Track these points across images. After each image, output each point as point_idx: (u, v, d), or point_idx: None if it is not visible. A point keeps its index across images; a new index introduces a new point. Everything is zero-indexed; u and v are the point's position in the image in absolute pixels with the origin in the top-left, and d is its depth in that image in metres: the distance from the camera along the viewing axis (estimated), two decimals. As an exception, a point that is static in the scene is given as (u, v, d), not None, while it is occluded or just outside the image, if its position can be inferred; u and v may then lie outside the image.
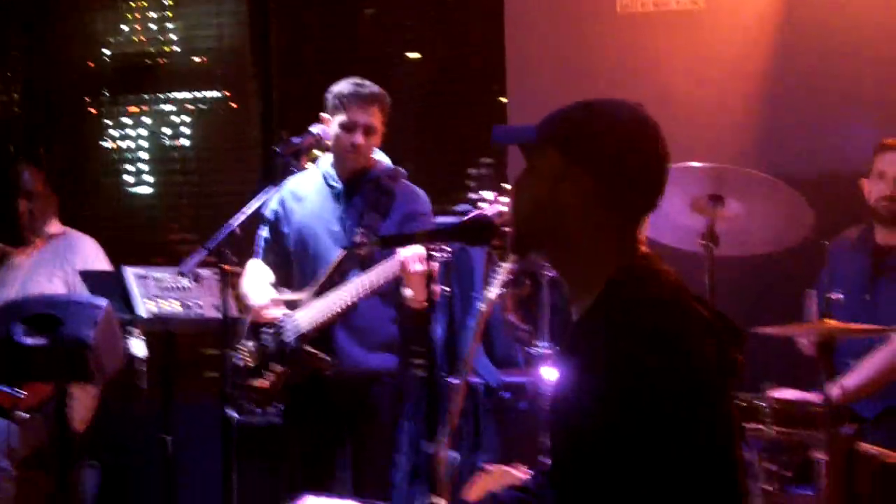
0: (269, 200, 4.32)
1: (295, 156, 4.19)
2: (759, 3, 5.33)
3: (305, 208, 4.33)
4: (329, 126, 4.23)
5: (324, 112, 4.26)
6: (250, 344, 4.29)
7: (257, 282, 4.31)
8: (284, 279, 4.36)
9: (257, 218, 4.34)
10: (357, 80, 4.25)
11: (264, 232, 4.44)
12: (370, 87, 4.23)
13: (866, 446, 3.77)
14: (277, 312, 4.20)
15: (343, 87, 4.23)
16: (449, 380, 4.62)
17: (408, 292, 4.04)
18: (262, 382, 4.24)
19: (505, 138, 2.40)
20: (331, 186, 4.31)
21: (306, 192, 4.36)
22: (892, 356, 4.16)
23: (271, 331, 4.22)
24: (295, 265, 4.35)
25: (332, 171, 4.32)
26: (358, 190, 4.27)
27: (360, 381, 4.21)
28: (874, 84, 5.20)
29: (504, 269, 4.17)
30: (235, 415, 4.75)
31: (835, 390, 3.79)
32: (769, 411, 3.66)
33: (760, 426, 3.69)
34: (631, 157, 2.12)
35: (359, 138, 4.19)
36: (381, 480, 4.24)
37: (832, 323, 3.64)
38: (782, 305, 4.58)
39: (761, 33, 5.32)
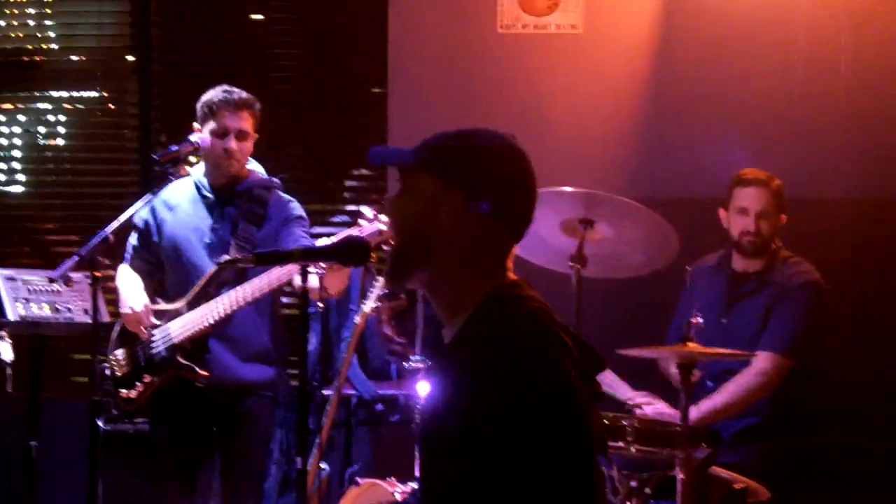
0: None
1: (173, 163, 4.17)
2: (637, 30, 5.46)
3: (178, 218, 4.30)
4: (201, 135, 4.22)
5: (195, 122, 4.25)
6: (120, 352, 4.26)
7: (132, 287, 4.26)
8: (154, 288, 4.33)
9: (131, 225, 4.30)
10: (226, 87, 4.24)
11: (133, 239, 4.39)
12: (239, 92, 4.22)
13: (718, 470, 3.91)
14: (151, 321, 4.18)
15: (212, 94, 4.22)
16: (323, 391, 4.66)
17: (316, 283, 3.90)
18: (129, 393, 4.21)
19: (381, 160, 2.44)
20: (203, 196, 4.29)
21: (178, 202, 4.32)
22: (752, 381, 4.30)
23: (143, 341, 4.19)
24: (168, 274, 4.32)
25: (205, 181, 4.30)
26: (231, 200, 4.26)
27: (233, 392, 4.19)
28: (742, 109, 5.38)
29: (381, 282, 4.22)
30: (102, 423, 4.71)
31: (694, 412, 3.92)
32: (631, 430, 3.75)
33: (622, 444, 3.78)
34: (503, 186, 2.19)
35: (231, 143, 4.17)
36: (252, 492, 4.22)
37: (693, 346, 3.76)
38: (648, 327, 4.72)
39: (637, 60, 5.46)
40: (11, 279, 4.72)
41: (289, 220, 4.24)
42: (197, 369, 4.10)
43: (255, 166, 4.38)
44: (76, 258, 3.96)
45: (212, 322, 4.07)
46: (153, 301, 4.24)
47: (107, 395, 4.31)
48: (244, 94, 4.23)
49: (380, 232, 3.71)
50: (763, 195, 4.45)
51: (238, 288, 4.03)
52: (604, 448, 3.64)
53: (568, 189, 4.10)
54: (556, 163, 5.01)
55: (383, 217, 3.79)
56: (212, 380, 4.12)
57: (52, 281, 4.35)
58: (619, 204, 4.19)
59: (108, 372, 4.26)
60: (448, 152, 2.22)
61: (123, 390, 4.22)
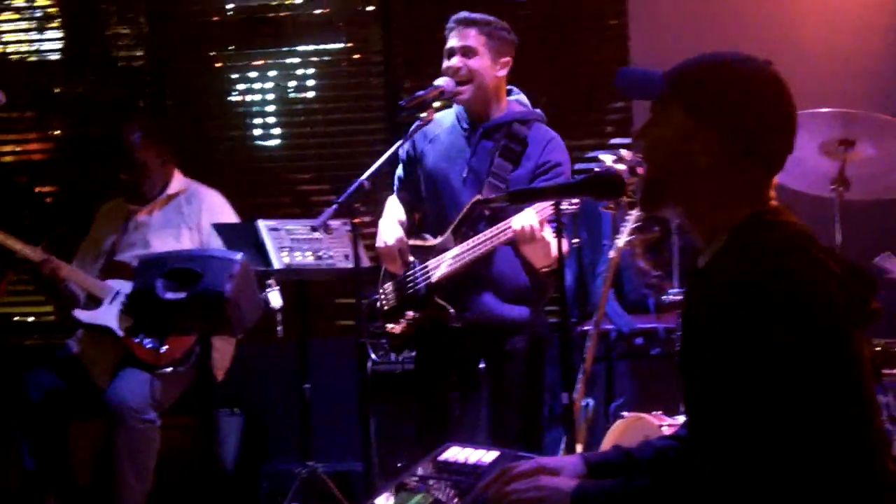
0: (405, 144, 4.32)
1: (419, 109, 4.18)
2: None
3: (436, 150, 4.28)
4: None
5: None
6: (389, 286, 4.32)
7: (390, 221, 4.30)
8: (419, 220, 4.36)
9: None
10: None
11: (399, 170, 4.42)
12: (468, 13, 4.17)
13: None
14: (406, 256, 4.20)
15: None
16: (580, 327, 4.67)
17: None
18: (394, 328, 4.28)
19: (630, 90, 2.37)
20: (463, 128, 4.25)
21: (438, 133, 4.30)
22: None
23: (408, 277, 4.23)
24: (427, 208, 4.32)
25: (465, 113, 4.26)
26: (489, 135, 4.20)
27: (496, 331, 4.16)
28: None
29: (633, 216, 4.19)
30: (373, 356, 4.84)
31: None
32: (905, 355, 3.63)
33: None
34: (760, 119, 2.14)
35: (454, 62, 4.14)
36: (520, 427, 4.18)
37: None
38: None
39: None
40: (275, 229, 4.89)
41: (545, 168, 4.13)
42: (449, 310, 4.12)
43: (519, 97, 4.30)
44: (335, 206, 4.07)
45: (466, 263, 4.06)
46: (419, 235, 4.27)
47: (375, 331, 4.42)
48: (472, 14, 4.17)
49: (631, 167, 3.66)
50: None
51: (482, 233, 4.01)
52: (877, 376, 3.54)
53: (826, 110, 3.95)
54: (809, 83, 4.80)
55: (629, 152, 3.73)
56: (472, 319, 4.13)
57: (313, 229, 4.49)
58: (880, 122, 4.01)
59: (378, 306, 4.35)
60: (703, 88, 2.16)
61: (389, 325, 4.30)
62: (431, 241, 4.22)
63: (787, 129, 2.16)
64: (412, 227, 4.37)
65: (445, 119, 4.32)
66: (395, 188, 4.46)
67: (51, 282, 5.02)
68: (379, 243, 4.26)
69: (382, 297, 4.34)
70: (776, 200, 2.18)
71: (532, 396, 4.25)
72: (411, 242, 4.25)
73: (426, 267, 4.19)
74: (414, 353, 4.42)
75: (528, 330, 4.21)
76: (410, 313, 4.25)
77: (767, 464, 1.95)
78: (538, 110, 4.28)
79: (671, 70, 2.21)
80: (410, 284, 4.24)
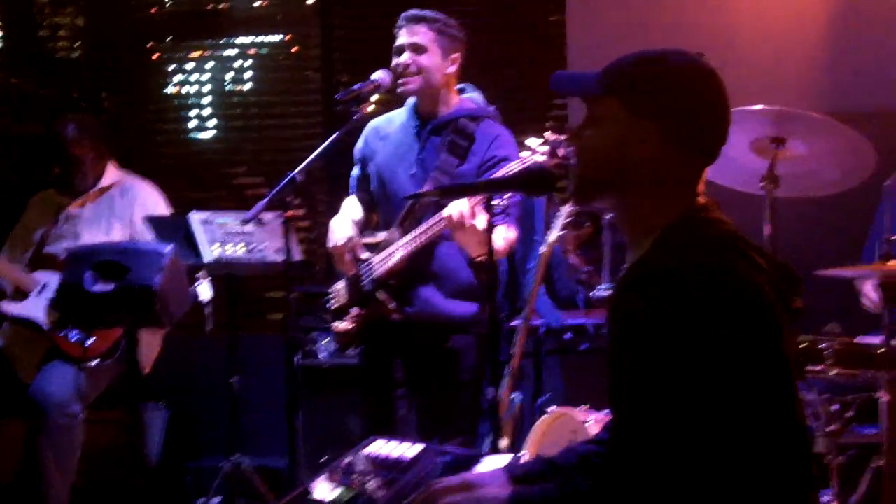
0: (358, 140, 4.29)
1: (355, 102, 4.15)
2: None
3: (387, 148, 4.23)
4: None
5: None
6: (340, 284, 4.27)
7: (341, 221, 4.24)
8: (375, 219, 4.32)
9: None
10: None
11: (355, 170, 4.36)
12: (417, 10, 4.12)
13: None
14: (358, 254, 4.15)
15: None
16: (511, 322, 4.65)
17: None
18: (339, 326, 4.25)
19: (565, 88, 2.36)
20: (413, 126, 4.20)
21: (390, 131, 4.25)
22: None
23: (357, 273, 4.19)
24: (380, 205, 4.27)
25: (415, 111, 4.21)
26: (438, 131, 4.14)
27: (438, 327, 4.10)
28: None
29: (565, 211, 4.18)
30: (298, 359, 4.80)
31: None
32: (830, 353, 3.64)
33: (822, 367, 3.67)
34: (696, 109, 2.14)
35: (403, 58, 4.08)
36: (455, 427, 4.09)
37: (894, 264, 3.61)
38: (845, 246, 4.56)
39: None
40: (207, 222, 4.84)
41: (492, 163, 4.04)
42: (389, 306, 4.08)
43: (473, 94, 4.26)
44: (267, 199, 4.03)
45: (405, 256, 4.00)
46: (370, 233, 4.22)
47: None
48: (423, 12, 4.12)
49: (559, 158, 3.64)
50: None
51: (421, 225, 3.98)
52: (801, 372, 3.56)
53: (758, 107, 3.96)
54: (743, 81, 4.81)
55: (542, 147, 3.71)
56: (413, 314, 4.09)
57: (245, 222, 4.45)
58: (811, 120, 4.02)
59: (330, 305, 4.31)
60: (639, 81, 2.16)
61: (336, 323, 4.26)
62: (379, 238, 4.18)
63: (722, 119, 2.17)
64: (370, 227, 4.31)
65: (398, 117, 4.28)
66: (351, 188, 4.40)
67: (-25, 274, 4.95)
68: (329, 243, 4.22)
69: (333, 295, 4.31)
70: (706, 196, 2.17)
71: (476, 397, 4.15)
72: (362, 240, 4.20)
73: (370, 263, 4.15)
74: (359, 350, 4.33)
75: (473, 329, 4.11)
76: (355, 310, 4.21)
77: (703, 461, 1.95)
78: (491, 108, 4.24)
79: (606, 68, 2.19)
80: (359, 281, 4.19)
